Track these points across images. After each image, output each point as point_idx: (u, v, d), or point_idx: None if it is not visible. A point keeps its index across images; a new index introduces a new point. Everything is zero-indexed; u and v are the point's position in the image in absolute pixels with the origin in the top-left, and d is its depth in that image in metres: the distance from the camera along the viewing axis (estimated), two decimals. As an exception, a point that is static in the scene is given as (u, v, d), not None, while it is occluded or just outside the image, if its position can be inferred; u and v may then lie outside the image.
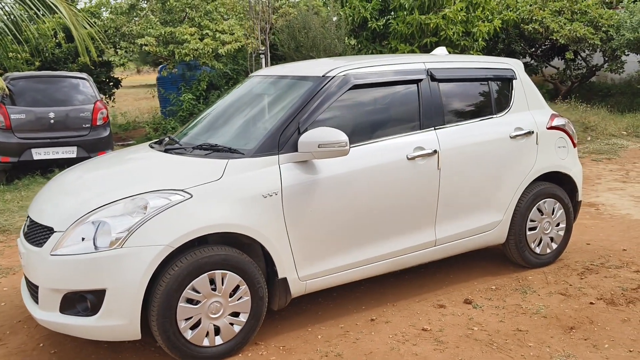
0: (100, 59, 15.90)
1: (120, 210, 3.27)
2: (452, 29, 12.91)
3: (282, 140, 3.63)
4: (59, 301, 3.26)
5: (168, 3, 13.66)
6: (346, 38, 13.79)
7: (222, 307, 3.42)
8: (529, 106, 4.69)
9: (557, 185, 4.77)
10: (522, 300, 4.13)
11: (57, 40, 13.73)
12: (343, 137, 3.55)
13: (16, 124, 8.62)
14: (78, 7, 15.12)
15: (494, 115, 4.49)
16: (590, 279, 4.44)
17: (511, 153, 4.46)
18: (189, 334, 3.34)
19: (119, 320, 3.19)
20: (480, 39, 13.70)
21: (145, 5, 14.16)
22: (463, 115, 4.37)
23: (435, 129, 4.15)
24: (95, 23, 13.44)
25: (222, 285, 3.40)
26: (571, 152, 4.83)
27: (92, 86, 9.39)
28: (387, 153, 3.93)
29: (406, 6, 12.78)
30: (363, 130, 3.98)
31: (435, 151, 4.07)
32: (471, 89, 4.50)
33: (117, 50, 13.69)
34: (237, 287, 3.46)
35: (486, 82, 4.52)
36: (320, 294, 4.25)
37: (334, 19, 13.07)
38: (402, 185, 3.97)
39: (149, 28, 12.84)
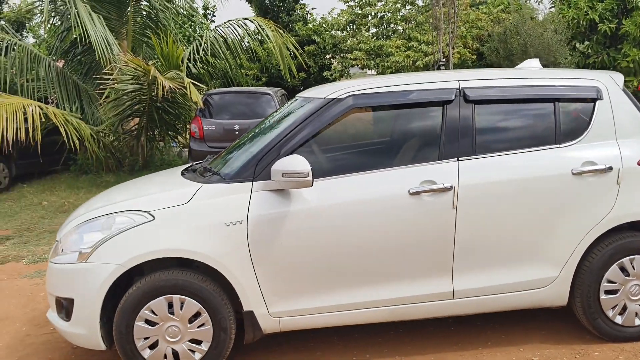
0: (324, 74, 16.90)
1: (98, 226, 3.50)
2: None
3: (261, 167, 3.46)
4: (54, 304, 3.62)
5: (386, 17, 13.87)
6: (572, 43, 12.31)
7: (181, 333, 3.41)
8: (618, 134, 3.63)
9: (658, 238, 3.61)
10: (552, 383, 3.24)
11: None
12: (305, 167, 3.24)
13: (207, 134, 9.72)
14: (310, 25, 16.26)
15: (556, 146, 3.58)
16: (675, 373, 3.26)
17: (572, 194, 3.51)
18: (146, 353, 3.41)
19: (82, 329, 3.42)
20: None
21: (369, 19, 14.55)
22: (508, 145, 3.58)
23: (458, 160, 3.50)
24: (315, 41, 14.35)
25: (180, 310, 3.39)
26: (680, 197, 3.59)
27: (276, 101, 10.06)
28: (385, 186, 3.45)
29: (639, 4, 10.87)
30: (363, 158, 3.58)
31: (450, 187, 3.43)
32: (528, 112, 3.68)
33: (333, 65, 14.34)
34: (198, 314, 3.41)
35: (551, 104, 3.64)
36: (332, 331, 3.93)
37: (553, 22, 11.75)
38: (401, 224, 3.44)
39: (361, 42, 13.20)
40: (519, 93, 3.66)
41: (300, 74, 13.78)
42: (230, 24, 11.52)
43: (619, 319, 3.63)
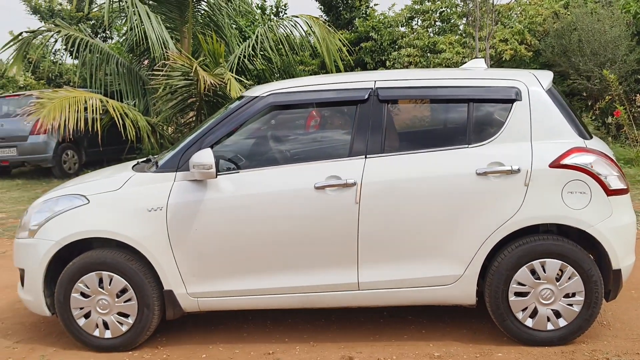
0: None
1: (46, 207, 3.96)
2: None
3: (185, 158, 3.76)
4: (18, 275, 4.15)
5: (444, 13, 13.72)
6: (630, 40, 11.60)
7: (109, 305, 3.81)
8: (534, 135, 3.58)
9: (575, 244, 3.54)
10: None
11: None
12: (208, 160, 3.52)
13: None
14: (369, 22, 16.24)
15: (465, 146, 3.60)
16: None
17: (476, 194, 3.52)
18: (82, 322, 3.85)
19: (31, 296, 3.91)
20: None
21: (429, 14, 14.33)
22: (417, 145, 3.67)
23: (366, 157, 3.62)
24: (372, 37, 14.39)
25: (109, 285, 3.78)
26: (598, 202, 3.48)
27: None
28: (293, 180, 3.65)
29: None
30: (279, 153, 3.79)
31: (353, 182, 3.57)
32: (441, 112, 3.74)
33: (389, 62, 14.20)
34: (125, 290, 3.79)
35: (465, 104, 3.66)
36: (267, 315, 4.19)
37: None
38: (306, 216, 3.63)
39: (416, 39, 13.14)
40: (432, 94, 3.71)
41: (356, 69, 13.88)
42: (282, 23, 11.91)
43: (529, 322, 3.60)
